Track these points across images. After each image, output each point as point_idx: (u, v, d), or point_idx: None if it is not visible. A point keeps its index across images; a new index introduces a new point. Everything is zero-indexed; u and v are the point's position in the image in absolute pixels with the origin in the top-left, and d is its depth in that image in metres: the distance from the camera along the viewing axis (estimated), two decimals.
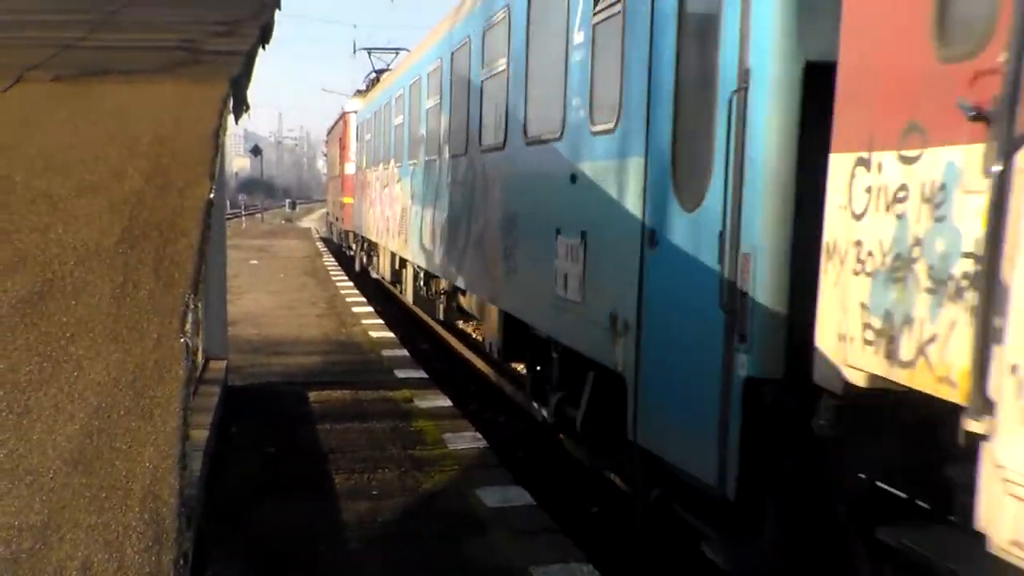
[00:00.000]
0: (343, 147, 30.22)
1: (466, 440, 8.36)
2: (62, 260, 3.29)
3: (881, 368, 3.96)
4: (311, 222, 63.10)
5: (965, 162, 3.50)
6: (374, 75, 27.81)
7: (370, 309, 17.31)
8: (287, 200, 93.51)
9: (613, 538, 7.58)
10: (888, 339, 3.91)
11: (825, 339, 4.40)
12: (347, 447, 8.08)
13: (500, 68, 9.87)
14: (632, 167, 6.39)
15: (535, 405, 9.30)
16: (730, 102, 5.06)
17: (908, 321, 3.78)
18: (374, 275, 23.79)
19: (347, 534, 6.18)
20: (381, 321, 15.89)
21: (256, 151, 60.21)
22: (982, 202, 3.38)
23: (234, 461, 7.61)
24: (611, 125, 6.77)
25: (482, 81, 10.71)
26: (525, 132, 8.96)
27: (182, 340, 3.08)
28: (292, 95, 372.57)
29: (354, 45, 56.09)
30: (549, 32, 8.27)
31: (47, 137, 4.03)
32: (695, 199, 5.51)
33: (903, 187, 3.85)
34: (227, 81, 4.66)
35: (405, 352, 12.97)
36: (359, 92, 29.10)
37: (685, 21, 5.74)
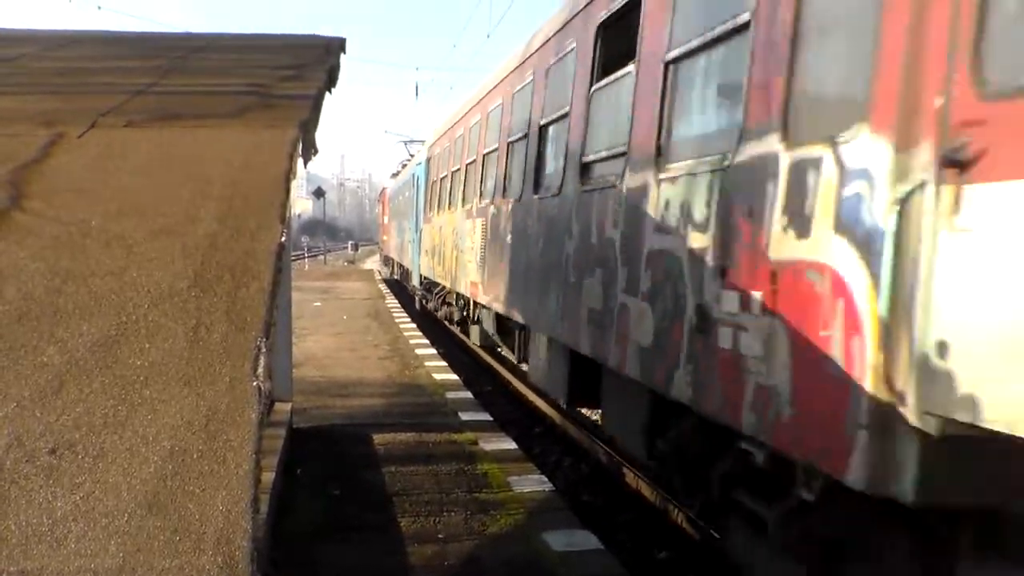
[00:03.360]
0: (383, 206, 53.71)
1: (532, 483, 8.29)
2: (136, 303, 3.31)
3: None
4: (374, 263, 63.54)
5: None
6: (409, 158, 38.19)
7: (433, 351, 17.33)
8: (350, 242, 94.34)
9: None
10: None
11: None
12: (412, 489, 8.06)
13: (409, 192, 29.64)
14: (417, 220, 25.62)
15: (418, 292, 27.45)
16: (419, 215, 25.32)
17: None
18: (395, 277, 43.15)
19: None
20: (444, 363, 15.90)
21: (319, 193, 60.64)
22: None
23: (300, 503, 7.61)
24: (415, 215, 26.28)
25: (405, 195, 31.88)
26: (408, 215, 29.71)
27: (254, 383, 3.07)
28: (354, 137, 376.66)
29: (416, 88, 56.91)
30: (411, 189, 28.81)
31: (121, 181, 4.07)
32: (416, 229, 25.73)
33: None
34: (296, 125, 4.70)
35: (469, 394, 12.94)
36: (393, 175, 47.76)
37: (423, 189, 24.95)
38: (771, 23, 5.08)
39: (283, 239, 3.62)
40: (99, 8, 35.13)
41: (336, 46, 7.23)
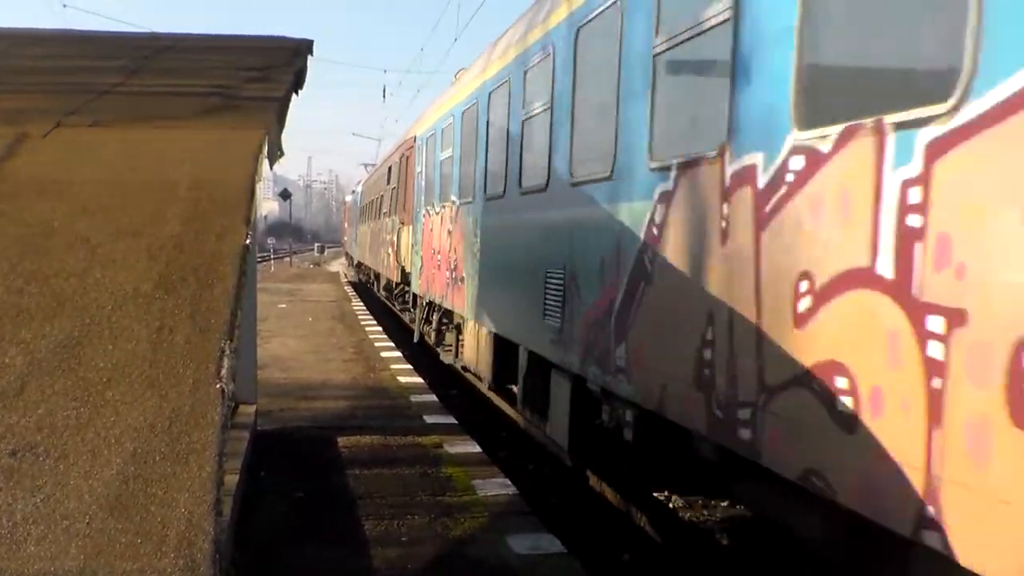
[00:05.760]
0: (346, 212, 66.56)
1: (496, 486, 8.30)
2: (100, 304, 3.29)
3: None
4: (340, 266, 63.37)
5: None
6: (366, 177, 50.56)
7: (399, 354, 17.30)
8: (316, 244, 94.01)
9: None
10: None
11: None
12: (376, 493, 8.04)
13: (355, 208, 50.44)
14: (356, 226, 48.27)
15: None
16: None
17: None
18: (352, 270, 52.49)
19: None
20: (410, 366, 15.88)
21: (285, 195, 60.31)
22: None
23: (263, 506, 7.58)
24: (356, 223, 48.18)
25: (353, 209, 52.71)
26: (354, 223, 51.02)
27: (218, 386, 3.07)
28: (321, 139, 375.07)
29: (383, 90, 57.06)
30: (355, 206, 50.93)
31: (85, 181, 4.06)
32: (355, 232, 50.02)
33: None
34: (263, 127, 4.70)
35: (434, 397, 12.92)
36: (352, 191, 59.16)
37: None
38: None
39: (248, 241, 3.62)
40: (64, 6, 34.90)
41: (304, 48, 7.21)
